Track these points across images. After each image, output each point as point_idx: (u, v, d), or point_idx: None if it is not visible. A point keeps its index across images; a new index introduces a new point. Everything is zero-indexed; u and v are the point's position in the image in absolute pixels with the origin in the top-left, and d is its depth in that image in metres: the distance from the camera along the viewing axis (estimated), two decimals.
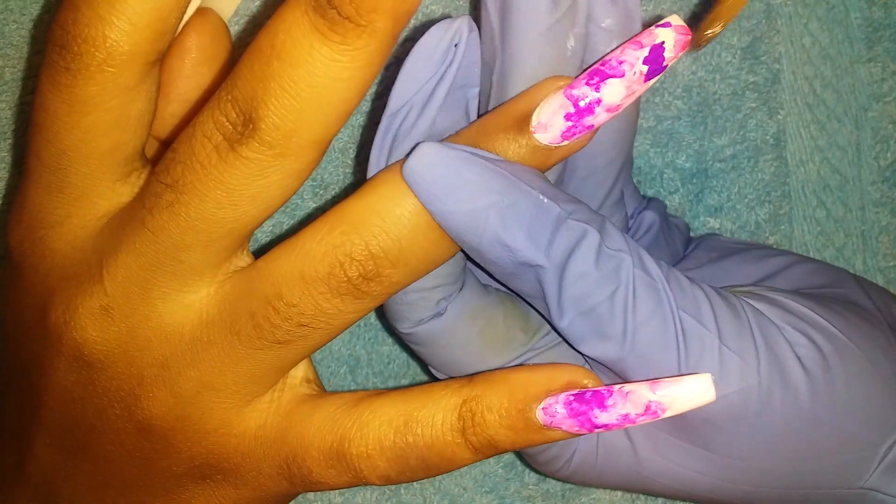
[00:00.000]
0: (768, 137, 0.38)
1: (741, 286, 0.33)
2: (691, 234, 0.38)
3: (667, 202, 0.38)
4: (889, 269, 0.39)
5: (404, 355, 0.39)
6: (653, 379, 0.26)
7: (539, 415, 0.26)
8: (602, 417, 0.26)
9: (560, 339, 0.31)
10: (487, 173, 0.25)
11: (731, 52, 0.37)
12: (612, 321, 0.27)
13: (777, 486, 0.29)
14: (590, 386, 0.27)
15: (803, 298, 0.30)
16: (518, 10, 0.27)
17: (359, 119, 0.38)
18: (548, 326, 0.31)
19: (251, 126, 0.24)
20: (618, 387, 0.26)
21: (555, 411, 0.26)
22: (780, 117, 0.38)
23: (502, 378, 0.27)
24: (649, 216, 0.34)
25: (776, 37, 0.38)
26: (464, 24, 0.27)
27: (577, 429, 0.26)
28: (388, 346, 0.39)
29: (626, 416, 0.26)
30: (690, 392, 0.26)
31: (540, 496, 0.40)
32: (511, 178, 0.25)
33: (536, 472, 0.40)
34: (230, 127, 0.24)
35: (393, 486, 0.40)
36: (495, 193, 0.25)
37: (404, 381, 0.39)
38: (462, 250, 0.27)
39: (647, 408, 0.26)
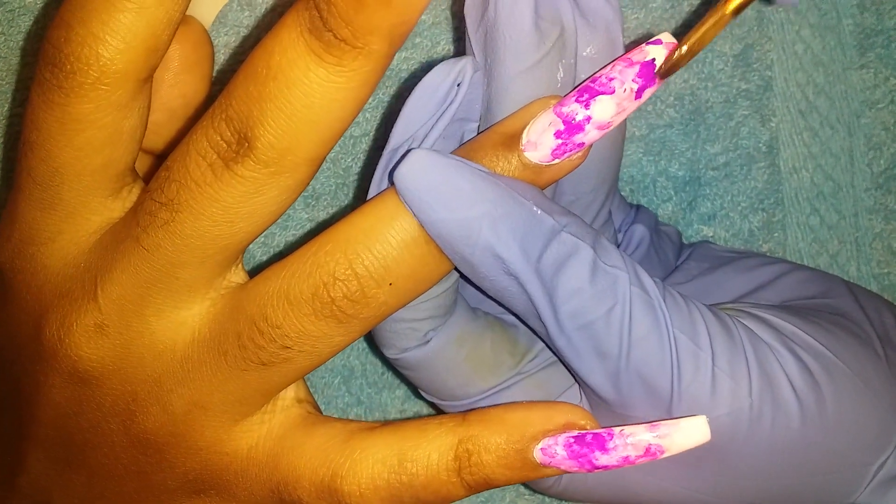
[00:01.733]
0: (761, 145, 0.38)
1: (732, 302, 0.33)
2: (683, 241, 0.38)
3: (660, 210, 0.39)
4: (883, 275, 0.40)
5: None
6: (651, 422, 0.27)
7: (537, 454, 0.27)
8: (602, 459, 0.27)
9: (547, 363, 0.31)
10: (481, 182, 0.25)
11: (723, 60, 0.38)
12: (608, 338, 0.27)
13: (767, 502, 0.30)
14: (588, 427, 0.27)
15: (791, 316, 0.31)
16: (504, 45, 0.27)
17: (351, 129, 0.38)
18: (536, 350, 0.31)
19: (246, 145, 0.24)
20: (618, 430, 0.27)
21: (554, 452, 0.27)
22: (772, 125, 0.38)
23: (498, 417, 0.27)
24: (639, 230, 0.35)
25: (768, 44, 0.38)
26: (468, 64, 0.27)
27: (575, 468, 0.27)
28: (382, 356, 0.40)
29: (626, 458, 0.27)
30: (688, 435, 0.27)
31: None
32: (504, 188, 0.25)
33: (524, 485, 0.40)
34: (225, 146, 0.24)
35: None
36: (488, 202, 0.25)
37: (398, 392, 0.40)
38: (456, 269, 0.27)
39: (647, 450, 0.27)
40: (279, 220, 0.38)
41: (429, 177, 0.25)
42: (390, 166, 0.27)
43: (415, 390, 0.40)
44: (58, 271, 0.27)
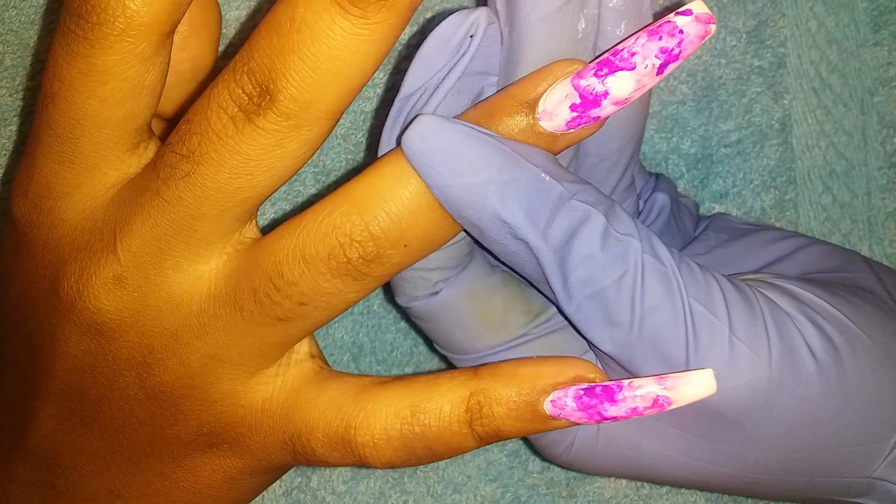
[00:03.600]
0: (774, 122, 0.39)
1: (752, 272, 0.33)
2: (700, 213, 0.39)
3: None
4: (895, 254, 0.40)
5: (408, 343, 0.40)
6: (659, 375, 0.28)
7: (547, 406, 0.28)
8: (611, 410, 0.27)
9: (561, 325, 0.32)
10: (486, 147, 0.26)
11: (737, 36, 0.38)
12: (619, 306, 0.27)
13: (782, 473, 0.30)
14: (597, 380, 0.28)
15: (815, 287, 0.31)
16: None
17: (361, 105, 0.39)
18: (550, 312, 0.32)
19: (268, 97, 0.25)
20: (627, 381, 0.28)
21: (564, 404, 0.28)
22: (785, 102, 0.39)
23: (509, 371, 0.28)
24: (661, 199, 0.35)
25: (781, 20, 0.39)
26: (481, 15, 0.27)
27: (584, 419, 0.28)
28: (392, 334, 0.40)
29: (634, 409, 0.28)
30: (695, 387, 0.27)
31: (544, 484, 0.41)
32: (511, 154, 0.26)
33: (542, 459, 0.41)
34: (246, 98, 0.25)
35: (397, 475, 0.41)
36: (494, 168, 0.26)
37: (408, 370, 0.40)
38: (467, 233, 0.28)
39: (655, 401, 0.27)
40: (289, 197, 0.39)
41: (434, 142, 0.26)
42: (401, 114, 0.28)
43: (429, 343, 0.40)
44: (76, 225, 0.28)
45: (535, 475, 0.41)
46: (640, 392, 0.27)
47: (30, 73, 0.39)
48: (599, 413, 0.27)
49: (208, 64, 0.31)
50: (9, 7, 0.38)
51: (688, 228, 0.36)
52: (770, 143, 0.39)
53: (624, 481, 0.41)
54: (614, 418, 0.27)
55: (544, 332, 0.31)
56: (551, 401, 0.28)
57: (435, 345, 0.33)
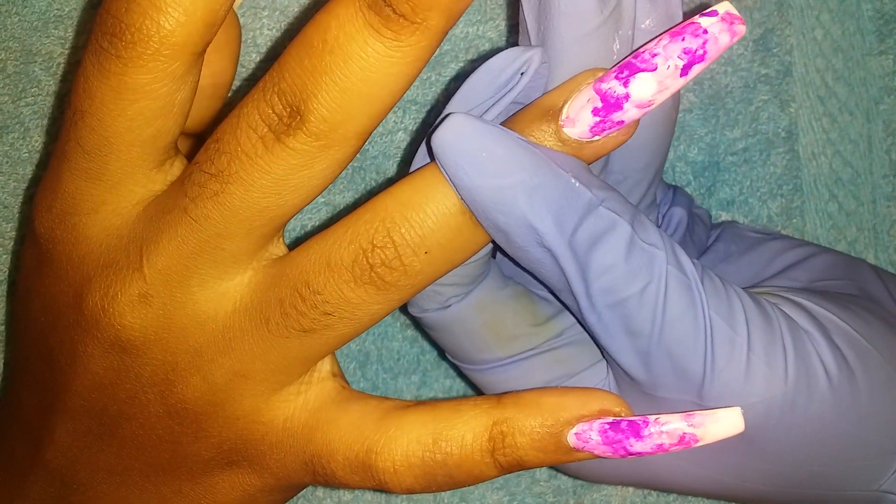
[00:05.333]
0: (780, 130, 0.40)
1: (766, 283, 0.34)
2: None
3: None
4: None
5: (414, 351, 0.41)
6: (686, 412, 0.28)
7: (571, 439, 0.28)
8: (637, 446, 0.28)
9: (570, 339, 0.32)
10: (518, 150, 0.26)
11: (743, 44, 0.39)
12: (640, 317, 0.28)
13: (792, 486, 0.31)
14: (623, 415, 0.28)
15: (827, 302, 0.32)
16: (561, 12, 0.27)
17: None
18: (560, 326, 0.32)
19: (298, 118, 0.25)
20: (653, 418, 0.28)
21: (588, 437, 0.28)
22: (791, 110, 0.40)
23: (533, 401, 0.29)
24: (678, 213, 0.36)
25: (788, 29, 0.39)
26: (535, 55, 0.27)
27: (609, 454, 0.28)
28: (398, 342, 0.41)
29: (660, 446, 0.28)
30: (723, 425, 0.28)
31: (551, 492, 0.41)
32: (542, 158, 0.26)
33: (549, 467, 0.41)
34: (276, 118, 0.26)
35: None
36: (525, 171, 0.26)
37: (414, 378, 0.41)
38: (493, 242, 0.28)
39: (682, 438, 0.28)
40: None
41: (466, 142, 0.26)
42: None
43: (439, 351, 0.41)
44: (101, 241, 0.28)
45: (542, 483, 0.41)
46: (666, 428, 0.28)
47: (34, 78, 0.39)
48: (625, 448, 0.28)
49: (228, 81, 0.32)
50: (11, 13, 0.38)
51: (702, 240, 0.37)
52: (776, 151, 0.40)
53: (631, 489, 0.42)
54: (639, 454, 0.28)
55: (554, 345, 0.32)
56: (575, 433, 0.28)
57: (445, 353, 0.33)
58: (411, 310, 0.32)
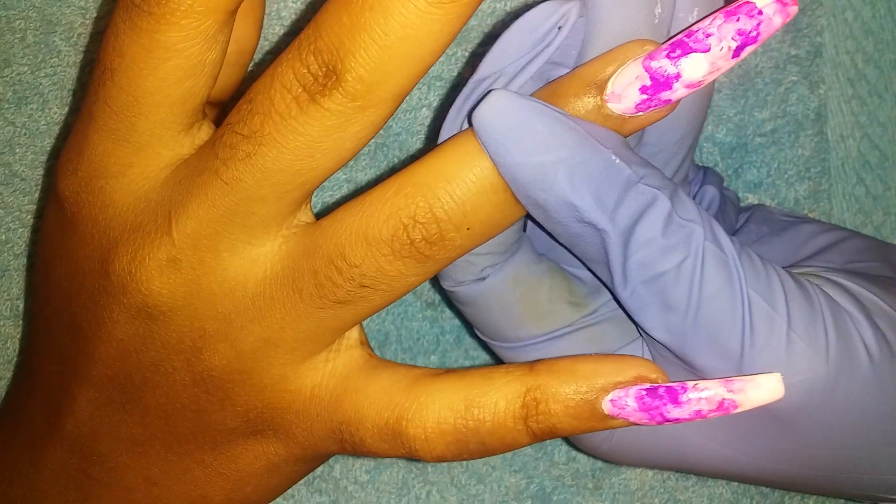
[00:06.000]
0: (809, 112, 0.39)
1: (804, 265, 0.33)
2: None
3: None
4: None
5: (434, 331, 0.40)
6: (725, 378, 0.27)
7: (606, 406, 0.28)
8: (675, 412, 0.27)
9: (605, 316, 0.32)
10: (559, 127, 0.26)
11: None
12: (676, 293, 0.27)
13: (829, 470, 0.31)
14: (659, 381, 0.28)
15: (867, 282, 0.31)
16: None
17: None
18: (596, 303, 0.32)
19: (335, 78, 0.25)
20: (692, 383, 0.27)
21: (624, 404, 0.27)
22: (821, 92, 0.39)
23: (567, 367, 0.28)
24: (710, 192, 0.35)
25: (819, 9, 0.39)
26: (573, 8, 0.27)
27: (645, 420, 0.28)
28: (418, 322, 0.40)
29: (698, 412, 0.27)
30: (762, 391, 0.27)
31: (569, 475, 0.41)
32: (583, 135, 0.26)
33: (570, 449, 0.41)
34: (311, 78, 0.25)
35: (421, 465, 0.41)
36: (566, 148, 0.26)
37: (433, 358, 0.41)
38: (528, 214, 0.28)
39: (720, 404, 0.27)
40: None
41: (507, 119, 0.26)
42: (471, 97, 0.28)
43: (469, 328, 0.40)
44: (128, 205, 0.28)
45: (560, 466, 0.41)
46: (705, 394, 0.27)
47: (54, 48, 0.38)
48: (661, 414, 0.27)
49: (252, 48, 0.31)
50: None
51: (732, 221, 0.36)
52: (805, 134, 0.39)
53: (650, 473, 0.41)
54: (676, 420, 0.27)
55: (588, 322, 0.31)
56: (611, 400, 0.27)
57: (477, 330, 0.33)
58: (445, 283, 0.31)
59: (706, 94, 0.31)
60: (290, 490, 0.40)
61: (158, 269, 0.27)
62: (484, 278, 0.30)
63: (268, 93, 0.26)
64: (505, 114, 0.26)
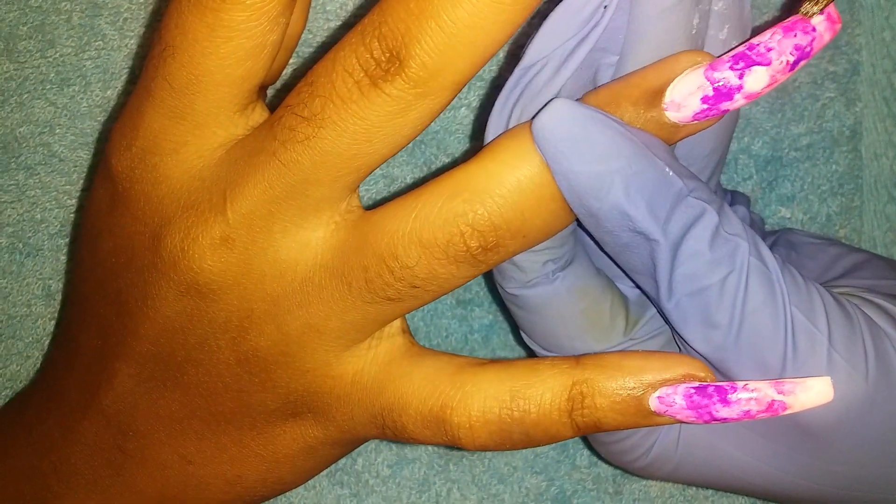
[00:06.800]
0: (845, 129, 0.39)
1: (836, 285, 0.33)
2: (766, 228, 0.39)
3: (739, 189, 0.40)
4: None
5: (463, 329, 0.40)
6: (776, 380, 0.27)
7: (653, 402, 0.28)
8: (723, 412, 0.27)
9: (655, 332, 0.32)
10: (618, 137, 0.26)
11: None
12: (720, 307, 0.27)
13: (861, 489, 0.31)
14: (708, 380, 0.28)
15: None
16: None
17: None
18: (646, 317, 0.32)
19: (398, 63, 0.25)
20: (741, 383, 0.27)
21: (672, 401, 0.28)
22: (857, 109, 0.39)
23: (615, 363, 0.28)
24: (741, 210, 0.36)
25: (858, 28, 0.39)
26: None
27: (692, 419, 0.28)
28: (447, 320, 0.40)
29: (747, 412, 0.27)
30: (814, 393, 0.27)
31: (591, 479, 0.41)
32: (640, 146, 0.26)
33: (591, 454, 0.41)
34: (374, 63, 0.25)
35: (442, 462, 0.41)
36: (624, 158, 0.26)
37: None
38: (578, 223, 0.28)
39: (770, 405, 0.27)
40: None
41: (568, 127, 0.26)
42: (519, 85, 0.28)
43: (515, 331, 0.40)
44: (182, 183, 0.28)
45: (582, 470, 0.41)
46: (755, 395, 0.27)
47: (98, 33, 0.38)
48: (710, 413, 0.27)
49: (298, 32, 0.31)
50: None
51: None
52: (840, 150, 0.40)
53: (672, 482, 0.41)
54: (724, 419, 0.27)
55: (642, 338, 0.31)
56: (658, 397, 0.28)
57: (528, 337, 0.32)
58: (509, 285, 0.31)
59: (737, 111, 0.31)
60: (312, 481, 0.40)
61: (211, 247, 0.27)
62: (551, 279, 0.30)
63: (329, 76, 0.26)
64: (566, 123, 0.26)
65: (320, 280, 0.28)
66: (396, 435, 0.29)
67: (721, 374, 0.29)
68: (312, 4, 0.38)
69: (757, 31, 0.27)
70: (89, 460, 0.32)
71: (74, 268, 0.35)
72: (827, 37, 0.26)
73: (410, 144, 0.39)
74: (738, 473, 0.31)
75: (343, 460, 0.40)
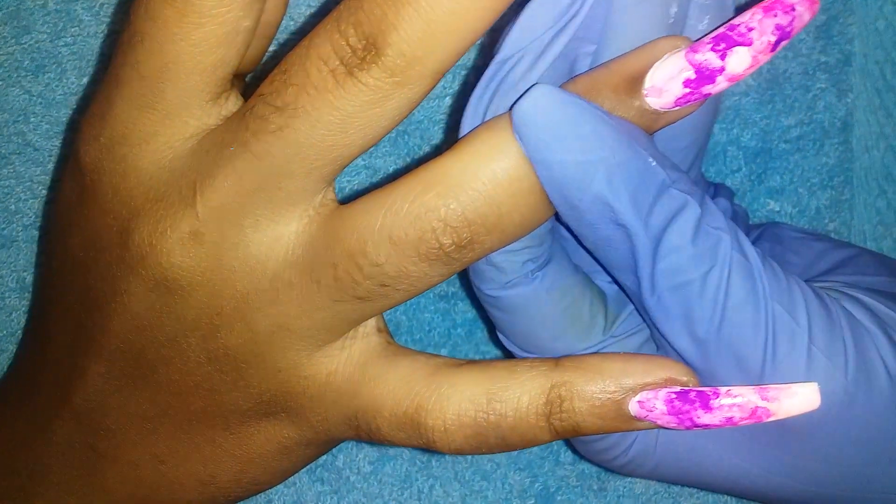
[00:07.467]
0: (836, 120, 0.39)
1: (821, 280, 0.33)
2: (750, 219, 0.38)
3: (728, 181, 0.39)
4: None
5: (446, 324, 0.40)
6: (760, 385, 0.27)
7: (633, 407, 0.27)
8: (705, 418, 0.27)
9: (636, 328, 0.31)
10: (601, 125, 0.25)
11: (806, 30, 0.38)
12: (702, 302, 0.27)
13: (844, 488, 0.30)
14: (690, 385, 0.27)
15: (885, 299, 0.30)
16: None
17: None
18: (625, 314, 0.31)
19: (374, 51, 0.24)
20: (724, 389, 0.27)
21: (653, 406, 0.27)
22: (848, 100, 0.39)
23: (595, 365, 0.27)
24: (722, 203, 0.35)
25: (850, 17, 0.38)
26: None
27: (673, 424, 0.27)
28: (430, 314, 0.40)
29: (729, 419, 0.27)
30: (799, 400, 0.26)
31: (574, 476, 0.40)
32: (623, 135, 0.25)
33: (574, 452, 0.40)
34: (350, 51, 0.24)
35: (425, 459, 0.40)
36: (607, 148, 0.25)
37: (444, 351, 0.40)
38: (557, 217, 0.27)
39: (753, 412, 0.27)
40: None
41: (549, 115, 0.25)
42: (495, 79, 0.27)
43: (492, 334, 0.39)
44: (151, 175, 0.27)
45: (566, 466, 0.40)
46: (738, 401, 0.26)
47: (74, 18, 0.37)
48: (691, 419, 0.26)
49: (277, 20, 0.30)
50: None
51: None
52: (831, 142, 0.39)
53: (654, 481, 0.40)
54: (706, 426, 0.27)
55: (622, 335, 0.31)
56: (639, 401, 0.27)
57: (506, 339, 0.31)
58: (489, 287, 0.30)
59: (713, 99, 0.30)
60: (292, 478, 0.40)
61: (180, 241, 0.26)
62: (531, 279, 0.29)
63: (303, 64, 0.25)
64: (547, 110, 0.25)
65: (289, 277, 0.27)
66: (371, 437, 0.28)
67: (700, 371, 0.28)
68: None
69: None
70: (62, 458, 0.31)
71: (45, 262, 0.34)
72: (807, 17, 0.25)
73: (393, 134, 0.38)
74: (720, 472, 0.30)
75: (324, 457, 0.40)
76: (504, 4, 0.24)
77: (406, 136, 0.38)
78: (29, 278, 0.39)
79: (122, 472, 0.30)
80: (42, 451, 0.31)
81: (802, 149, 0.39)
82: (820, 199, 0.39)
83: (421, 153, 0.38)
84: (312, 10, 0.37)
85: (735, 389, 0.26)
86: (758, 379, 0.27)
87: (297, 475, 0.39)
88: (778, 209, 0.39)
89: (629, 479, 0.40)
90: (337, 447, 0.40)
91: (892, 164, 0.39)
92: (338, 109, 0.25)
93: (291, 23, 0.37)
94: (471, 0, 0.23)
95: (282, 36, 0.37)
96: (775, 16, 0.25)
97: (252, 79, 0.34)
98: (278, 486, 0.40)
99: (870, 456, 0.29)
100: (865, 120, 0.39)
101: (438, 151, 0.38)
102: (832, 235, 0.39)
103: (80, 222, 0.29)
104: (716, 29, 0.25)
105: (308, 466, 0.39)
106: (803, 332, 0.27)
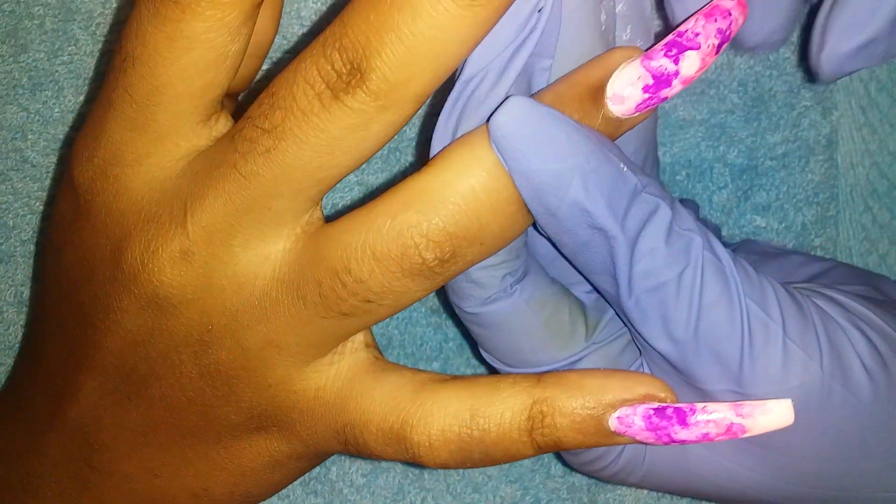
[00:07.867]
0: (821, 138, 0.39)
1: (797, 283, 0.33)
2: (728, 239, 0.39)
3: (714, 198, 0.39)
4: None
5: (437, 338, 0.40)
6: (735, 402, 0.27)
7: (613, 422, 0.27)
8: (682, 434, 0.27)
9: (617, 334, 0.31)
10: (575, 134, 0.26)
11: (790, 48, 0.38)
12: (678, 302, 0.27)
13: (829, 486, 0.30)
14: (668, 401, 0.27)
15: (861, 298, 0.31)
16: None
17: None
18: (605, 320, 0.31)
19: (358, 76, 0.24)
20: (701, 406, 0.27)
21: (631, 422, 0.27)
22: (833, 118, 0.39)
23: (575, 381, 0.28)
24: (691, 215, 0.35)
25: None
26: None
27: (651, 440, 0.27)
28: (422, 328, 0.40)
29: (706, 435, 0.27)
30: (772, 417, 0.27)
31: (565, 489, 0.41)
32: (595, 142, 0.26)
33: (565, 464, 0.40)
34: (335, 75, 0.25)
35: (417, 471, 0.40)
36: (581, 155, 0.26)
37: (436, 365, 0.40)
38: (534, 226, 0.28)
39: (728, 428, 0.27)
40: None
41: (525, 126, 0.25)
42: (460, 99, 0.27)
43: (475, 352, 0.40)
44: (143, 195, 0.28)
45: (556, 479, 0.41)
46: (714, 417, 0.27)
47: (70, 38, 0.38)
48: (669, 435, 0.27)
49: (269, 41, 0.31)
50: None
51: None
52: (816, 159, 0.39)
53: (645, 490, 0.41)
54: (683, 441, 0.27)
55: (602, 343, 0.31)
56: (618, 417, 0.27)
57: (489, 355, 0.32)
58: (469, 304, 0.30)
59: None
60: (286, 490, 0.40)
61: (171, 260, 0.27)
62: (510, 293, 0.30)
63: (290, 88, 0.25)
64: (524, 121, 0.25)
65: (276, 295, 0.27)
66: (359, 451, 0.29)
67: (679, 374, 0.29)
68: (286, 10, 0.38)
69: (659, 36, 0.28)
70: (56, 473, 0.31)
71: (39, 278, 0.34)
72: (741, 20, 0.27)
73: (386, 151, 0.39)
74: (708, 475, 0.31)
75: (317, 469, 0.40)
76: (484, 31, 0.24)
77: (398, 154, 0.39)
78: (26, 293, 0.39)
79: (116, 485, 0.31)
80: (36, 464, 0.31)
81: (788, 166, 0.39)
82: (806, 216, 0.40)
83: (413, 170, 0.39)
84: (304, 30, 0.38)
85: (711, 405, 0.27)
86: (737, 374, 0.28)
87: (290, 487, 0.40)
88: (764, 225, 0.40)
89: (619, 491, 0.41)
90: (330, 460, 0.40)
91: (876, 181, 0.40)
92: (324, 132, 0.25)
93: (284, 42, 0.38)
94: (451, 26, 0.24)
95: (275, 55, 0.38)
96: (716, 21, 0.26)
97: (245, 97, 0.34)
98: (272, 499, 0.40)
99: (851, 450, 0.29)
100: (850, 137, 0.39)
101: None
102: (818, 251, 0.40)
103: (74, 240, 0.29)
104: (664, 37, 0.27)
105: (302, 479, 0.39)
106: (778, 327, 0.28)
